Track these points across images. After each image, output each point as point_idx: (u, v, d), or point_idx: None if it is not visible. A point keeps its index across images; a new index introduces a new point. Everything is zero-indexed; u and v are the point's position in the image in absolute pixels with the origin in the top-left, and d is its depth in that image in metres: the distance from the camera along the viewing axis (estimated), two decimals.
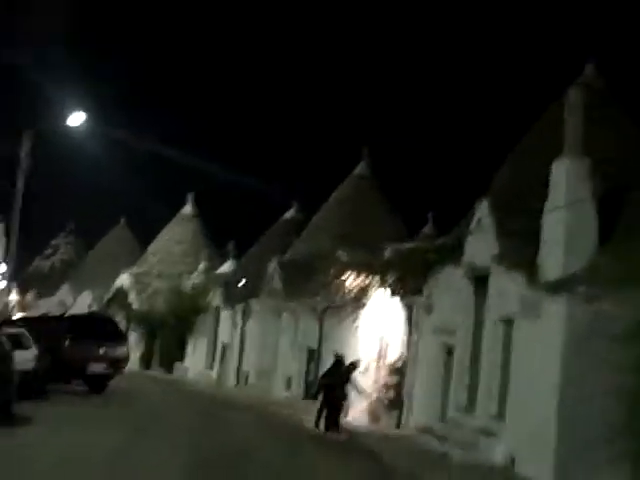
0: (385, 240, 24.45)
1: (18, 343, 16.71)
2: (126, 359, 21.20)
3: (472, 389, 14.96)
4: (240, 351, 28.61)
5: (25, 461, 10.01)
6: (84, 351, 19.45)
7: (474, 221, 15.00)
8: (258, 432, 15.57)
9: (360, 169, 29.36)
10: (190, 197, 39.95)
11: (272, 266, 26.73)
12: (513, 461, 12.39)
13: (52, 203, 58.62)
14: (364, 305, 20.80)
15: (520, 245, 13.53)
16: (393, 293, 18.64)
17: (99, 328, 20.81)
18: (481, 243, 14.54)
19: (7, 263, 30.78)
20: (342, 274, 20.82)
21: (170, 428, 14.54)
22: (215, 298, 31.82)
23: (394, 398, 18.01)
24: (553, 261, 12.20)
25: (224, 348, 30.21)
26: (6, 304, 33.32)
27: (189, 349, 33.68)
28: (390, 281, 18.67)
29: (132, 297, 37.41)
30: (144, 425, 14.57)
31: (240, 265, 33.12)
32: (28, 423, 13.34)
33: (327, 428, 16.46)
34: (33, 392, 16.96)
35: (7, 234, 32.49)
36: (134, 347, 36.63)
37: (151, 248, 40.02)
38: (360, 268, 20.17)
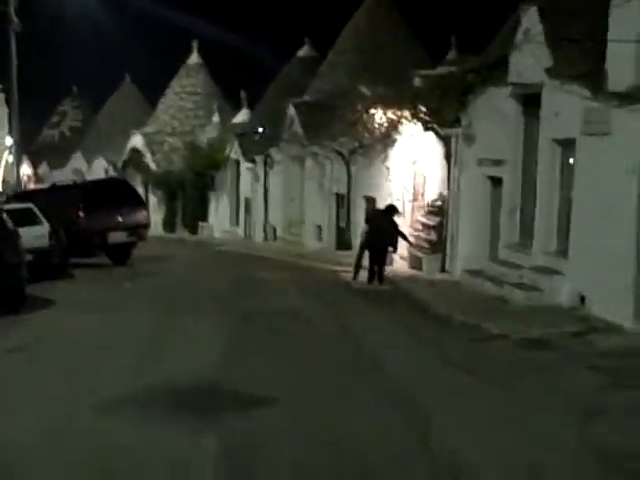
0: (408, 69, 22.35)
1: (26, 219, 15.36)
2: (147, 224, 19.63)
3: (525, 224, 13.42)
4: (265, 204, 27.19)
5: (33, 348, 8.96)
6: (101, 221, 17.93)
7: (520, 32, 12.86)
8: (297, 290, 14.23)
9: None
10: (195, 45, 37.23)
11: (289, 110, 24.72)
12: (583, 300, 11.02)
13: (52, 67, 56.08)
14: (394, 143, 19.02)
15: (578, 54, 11.52)
16: (426, 126, 16.78)
17: (114, 194, 18.82)
18: (529, 58, 12.48)
19: (11, 134, 29.19)
20: (368, 110, 18.88)
21: (204, 298, 13.17)
22: (233, 151, 30.07)
23: (436, 240, 16.57)
24: (624, 68, 10.22)
25: (248, 203, 28.82)
26: (18, 178, 31.95)
27: (212, 207, 32.36)
28: (422, 113, 16.77)
29: (147, 158, 35.80)
30: (175, 298, 13.26)
31: (255, 113, 31.10)
32: (43, 306, 12.21)
33: (370, 280, 15.22)
34: (52, 270, 15.86)
35: (8, 104, 30.60)
36: (155, 211, 35.56)
37: (161, 105, 37.89)
38: (388, 101, 18.20)
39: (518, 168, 13.62)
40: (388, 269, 15.87)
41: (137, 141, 36.32)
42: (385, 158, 19.57)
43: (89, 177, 36.52)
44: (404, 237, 15.87)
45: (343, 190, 22.00)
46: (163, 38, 57.30)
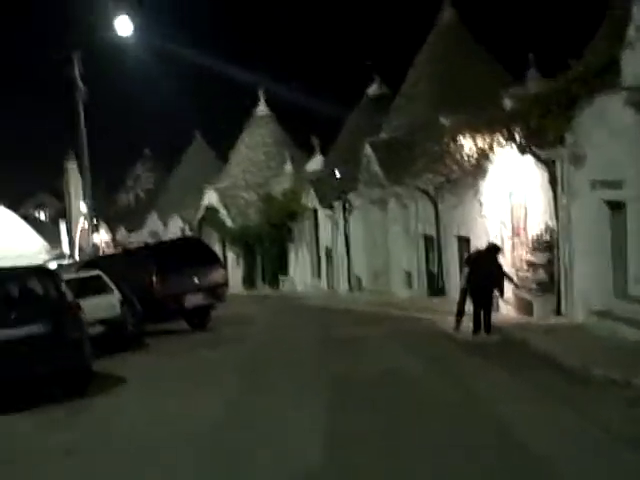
0: (490, 91, 20.63)
1: (94, 288, 14.21)
2: (225, 284, 18.13)
3: None
4: (347, 253, 25.59)
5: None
6: (176, 284, 16.62)
7: (631, 28, 11.05)
8: (395, 347, 12.41)
9: (445, 17, 25.03)
10: (261, 95, 36.44)
11: (365, 150, 23.24)
12: None
13: (124, 132, 56.64)
14: (486, 174, 17.21)
15: None
16: (523, 150, 14.93)
17: (189, 254, 17.42)
18: None
19: (86, 200, 28.70)
20: (455, 139, 17.18)
21: (291, 365, 11.45)
22: (309, 199, 28.72)
23: (546, 280, 14.56)
24: None
25: (328, 252, 27.27)
26: (95, 244, 31.38)
27: (291, 260, 30.97)
28: (518, 135, 14.95)
29: (222, 214, 34.88)
30: (258, 367, 11.63)
31: (328, 158, 29.77)
32: (113, 384, 10.80)
33: (475, 330, 13.34)
34: (125, 342, 14.61)
35: (81, 172, 30.21)
36: (234, 268, 34.51)
37: (232, 158, 37.12)
38: (475, 128, 16.46)
39: None
40: (493, 316, 13.95)
41: (211, 197, 35.52)
42: (477, 192, 17.75)
43: (165, 238, 35.91)
44: (509, 278, 13.98)
45: (431, 231, 20.22)
46: (230, 92, 57.16)
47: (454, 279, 19.17)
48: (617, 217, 12.54)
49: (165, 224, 39.84)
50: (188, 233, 36.64)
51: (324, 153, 31.22)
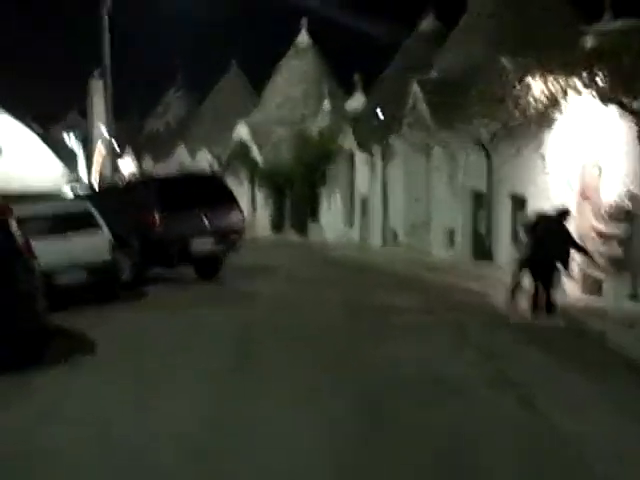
0: (558, 37, 17.87)
1: (77, 226, 12.05)
2: (241, 229, 15.73)
3: None
4: (384, 203, 23.11)
5: None
6: (182, 225, 14.45)
7: None
8: (435, 329, 10.06)
9: None
10: (304, 23, 33.53)
11: (413, 89, 20.54)
12: None
13: (156, 56, 54.15)
14: (553, 123, 14.59)
15: None
16: (606, 98, 12.29)
17: (200, 191, 15.00)
18: None
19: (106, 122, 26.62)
20: (522, 80, 14.52)
21: (303, 344, 9.10)
22: (346, 140, 26.13)
23: (621, 255, 12.12)
24: None
25: (364, 201, 24.80)
26: (119, 171, 29.30)
27: (323, 205, 28.54)
28: (601, 80, 12.28)
29: (254, 150, 32.46)
30: (263, 341, 9.41)
31: (371, 98, 27.04)
32: (76, 352, 8.70)
33: (534, 309, 11.03)
34: (114, 291, 12.50)
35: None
36: (262, 209, 32.27)
37: (267, 91, 34.49)
38: (549, 68, 13.77)
39: None
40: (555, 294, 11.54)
41: (242, 132, 33.07)
42: (540, 144, 15.14)
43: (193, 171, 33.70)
44: (584, 251, 11.53)
45: (482, 186, 17.66)
46: (271, 18, 53.78)
47: (504, 243, 16.73)
48: None
49: (193, 157, 37.55)
50: (216, 168, 34.35)
51: (367, 91, 28.45)
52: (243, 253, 16.15)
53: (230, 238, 15.30)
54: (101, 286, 12.08)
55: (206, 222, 14.79)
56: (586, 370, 7.75)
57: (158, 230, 14.09)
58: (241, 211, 15.96)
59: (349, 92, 29.96)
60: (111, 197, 15.34)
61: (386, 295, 12.74)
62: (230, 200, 15.68)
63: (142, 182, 16.22)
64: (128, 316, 11.35)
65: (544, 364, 8.14)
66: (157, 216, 14.10)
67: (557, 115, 14.29)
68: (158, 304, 12.54)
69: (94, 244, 12.07)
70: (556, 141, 14.63)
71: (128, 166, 39.53)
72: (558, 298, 11.41)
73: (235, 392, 7.12)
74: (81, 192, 18.70)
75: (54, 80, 54.03)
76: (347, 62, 35.28)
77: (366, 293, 13.18)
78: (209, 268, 15.49)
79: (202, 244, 14.76)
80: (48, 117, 58.35)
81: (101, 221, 12.50)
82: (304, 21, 33.63)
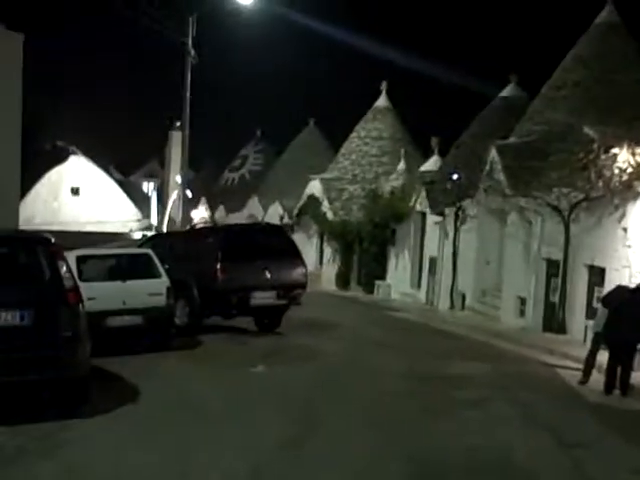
0: None
1: (135, 270, 11.94)
2: (304, 283, 15.36)
3: None
4: (453, 266, 22.52)
5: None
6: (243, 276, 14.19)
7: None
8: (505, 406, 9.38)
9: (606, 15, 21.46)
10: (384, 86, 33.64)
11: (491, 153, 20.09)
12: None
13: (237, 110, 55.26)
14: (636, 196, 13.93)
15: None
16: None
17: (264, 243, 14.83)
18: None
19: (182, 173, 27.06)
20: (608, 150, 13.94)
21: (367, 415, 8.59)
22: (419, 202, 25.75)
23: None
24: None
25: (432, 263, 24.23)
26: (190, 218, 29.64)
27: (391, 264, 28.07)
28: None
29: (325, 205, 32.37)
30: (317, 410, 8.87)
31: (447, 160, 26.67)
32: (110, 406, 8.30)
33: (608, 389, 10.27)
34: (166, 337, 12.24)
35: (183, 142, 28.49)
36: (329, 264, 31.96)
37: (343, 149, 34.53)
38: (636, 139, 13.18)
39: None
40: (633, 375, 10.75)
41: (315, 187, 33.08)
42: (622, 216, 14.47)
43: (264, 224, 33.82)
44: None
45: (557, 255, 16.96)
46: (352, 80, 54.31)
47: (578, 316, 15.94)
48: None
49: (265, 209, 37.75)
50: (286, 221, 34.36)
51: (443, 155, 28.11)
52: (306, 307, 15.78)
53: (292, 292, 14.97)
54: (155, 331, 11.86)
55: (268, 275, 14.53)
56: None
57: (219, 279, 13.87)
58: (304, 265, 15.65)
59: (426, 155, 29.69)
60: (177, 242, 15.29)
61: (449, 363, 12.12)
62: (294, 253, 15.40)
63: (208, 229, 16.14)
64: (171, 365, 11.05)
65: (626, 457, 7.37)
66: (219, 265, 13.89)
67: None
68: (207, 355, 12.20)
69: (151, 289, 11.91)
70: (638, 214, 13.94)
71: (201, 215, 40.02)
72: (635, 379, 10.62)
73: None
74: (149, 234, 18.83)
75: (140, 129, 55.61)
76: (426, 126, 35.04)
77: (432, 360, 12.57)
78: (269, 321, 15.17)
79: (263, 297, 14.49)
80: (130, 165, 60.21)
81: (160, 267, 12.36)
82: (384, 84, 33.71)
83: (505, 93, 26.40)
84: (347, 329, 16.50)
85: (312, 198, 33.16)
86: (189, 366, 11.18)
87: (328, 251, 32.16)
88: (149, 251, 12.60)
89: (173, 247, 14.11)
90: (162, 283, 12.12)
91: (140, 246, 15.19)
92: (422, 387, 10.26)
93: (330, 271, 31.54)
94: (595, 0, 22.34)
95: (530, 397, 9.88)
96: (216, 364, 11.34)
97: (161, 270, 12.24)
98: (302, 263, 15.41)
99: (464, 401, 9.42)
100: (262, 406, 8.80)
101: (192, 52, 26.62)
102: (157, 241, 15.29)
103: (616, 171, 13.67)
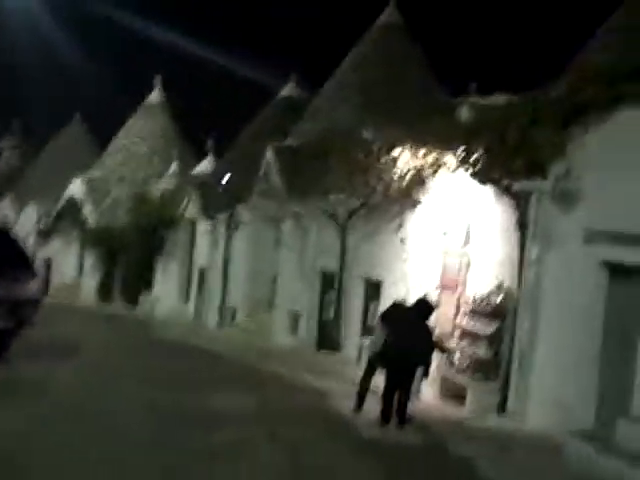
0: (424, 109, 16.88)
1: None
2: (37, 301, 12.62)
3: None
4: (223, 278, 20.67)
5: None
6: None
7: None
8: (270, 448, 7.53)
9: (387, 16, 20.93)
10: (158, 80, 31.23)
11: (267, 155, 18.60)
12: None
13: None
14: (416, 203, 12.92)
15: None
16: (484, 177, 10.68)
17: None
18: None
19: None
20: (390, 151, 12.80)
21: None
22: (190, 207, 23.72)
23: (489, 358, 10.29)
24: None
25: (202, 274, 22.23)
26: None
27: (158, 276, 25.68)
28: (476, 158, 10.69)
29: (87, 210, 29.28)
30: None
31: (222, 162, 24.94)
32: None
33: (384, 418, 8.86)
34: None
35: None
36: (90, 275, 28.88)
37: (110, 147, 31.63)
38: (420, 141, 12.10)
39: None
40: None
41: (76, 188, 29.85)
42: (400, 225, 13.42)
43: (18, 226, 29.94)
44: (444, 350, 9.69)
45: (333, 266, 15.66)
46: (128, 73, 50.82)
47: (354, 333, 14.69)
48: (619, 287, 8.38)
49: (19, 211, 33.69)
50: (42, 226, 30.79)
51: (220, 156, 26.33)
52: (54, 326, 13.10)
53: (22, 311, 12.14)
54: None
55: None
56: None
57: None
58: (38, 277, 12.94)
59: (202, 157, 27.74)
60: None
61: (210, 395, 10.11)
62: (25, 265, 12.56)
63: None
64: None
65: None
66: None
67: (422, 193, 12.65)
68: None
69: None
70: (418, 222, 12.93)
71: None
72: (413, 404, 9.37)
73: None
74: None
75: None
76: (203, 125, 33.03)
77: (185, 391, 10.47)
78: None
79: None
80: None
81: None
82: (158, 78, 31.35)
83: (285, 92, 25.24)
84: (91, 351, 13.96)
85: (72, 200, 29.94)
86: None
87: (89, 260, 29.05)
88: None
89: None
90: None
91: None
92: (167, 431, 8.14)
93: (90, 283, 28.50)
94: (377, 1, 21.82)
95: (297, 436, 8.17)
96: None
97: None
98: (35, 275, 12.64)
99: (217, 445, 7.49)
100: None
101: None
102: None
103: (395, 176, 12.58)
